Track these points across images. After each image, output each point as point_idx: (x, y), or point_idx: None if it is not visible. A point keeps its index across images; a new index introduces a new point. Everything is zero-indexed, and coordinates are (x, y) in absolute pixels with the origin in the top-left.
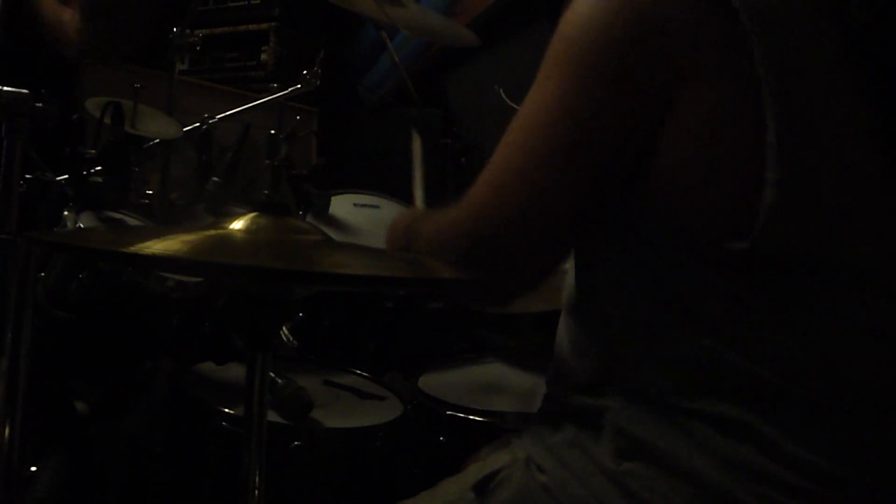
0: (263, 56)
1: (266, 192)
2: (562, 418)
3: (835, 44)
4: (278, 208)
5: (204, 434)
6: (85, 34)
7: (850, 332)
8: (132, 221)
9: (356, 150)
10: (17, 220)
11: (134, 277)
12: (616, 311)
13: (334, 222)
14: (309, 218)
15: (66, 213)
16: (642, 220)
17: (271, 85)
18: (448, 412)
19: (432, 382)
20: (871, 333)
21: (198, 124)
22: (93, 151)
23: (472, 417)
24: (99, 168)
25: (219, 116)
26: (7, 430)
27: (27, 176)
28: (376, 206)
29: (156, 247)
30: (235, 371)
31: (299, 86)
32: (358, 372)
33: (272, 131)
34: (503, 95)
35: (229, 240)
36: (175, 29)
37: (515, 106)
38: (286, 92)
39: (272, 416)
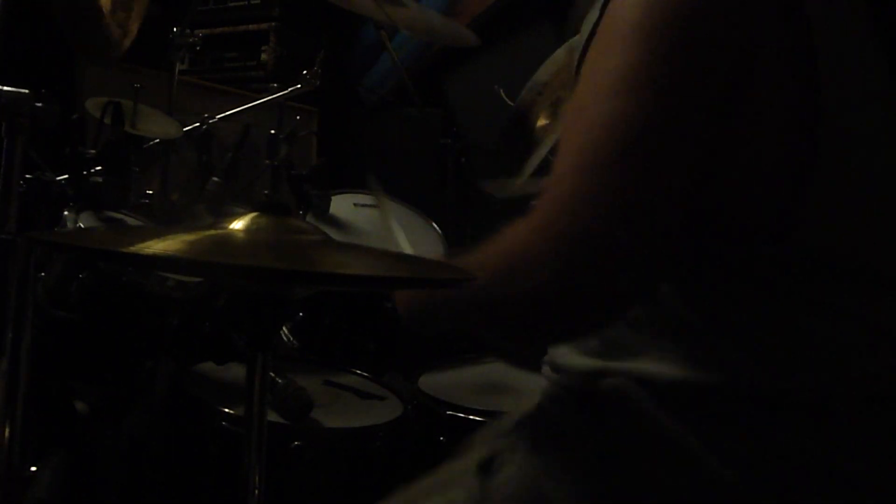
0: (263, 56)
1: (266, 192)
2: (571, 401)
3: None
4: (278, 208)
5: (204, 434)
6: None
7: (867, 335)
8: (132, 221)
9: (356, 150)
10: (17, 220)
11: (134, 277)
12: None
13: (334, 222)
14: (309, 218)
15: (66, 213)
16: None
17: (271, 85)
18: (448, 412)
19: (432, 382)
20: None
21: (198, 124)
22: (93, 151)
23: (472, 417)
24: (99, 168)
25: (219, 116)
26: (7, 430)
27: (27, 176)
28: (376, 206)
29: (156, 247)
30: (235, 371)
31: (299, 86)
32: (358, 372)
33: (272, 131)
34: (503, 95)
35: (229, 240)
36: (175, 29)
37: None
38: (286, 92)
39: (272, 416)
